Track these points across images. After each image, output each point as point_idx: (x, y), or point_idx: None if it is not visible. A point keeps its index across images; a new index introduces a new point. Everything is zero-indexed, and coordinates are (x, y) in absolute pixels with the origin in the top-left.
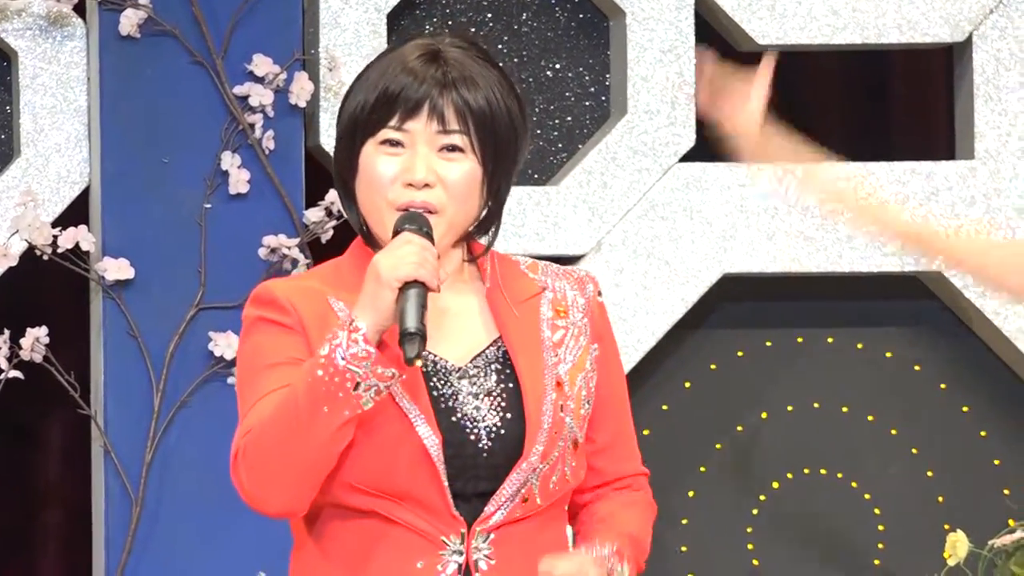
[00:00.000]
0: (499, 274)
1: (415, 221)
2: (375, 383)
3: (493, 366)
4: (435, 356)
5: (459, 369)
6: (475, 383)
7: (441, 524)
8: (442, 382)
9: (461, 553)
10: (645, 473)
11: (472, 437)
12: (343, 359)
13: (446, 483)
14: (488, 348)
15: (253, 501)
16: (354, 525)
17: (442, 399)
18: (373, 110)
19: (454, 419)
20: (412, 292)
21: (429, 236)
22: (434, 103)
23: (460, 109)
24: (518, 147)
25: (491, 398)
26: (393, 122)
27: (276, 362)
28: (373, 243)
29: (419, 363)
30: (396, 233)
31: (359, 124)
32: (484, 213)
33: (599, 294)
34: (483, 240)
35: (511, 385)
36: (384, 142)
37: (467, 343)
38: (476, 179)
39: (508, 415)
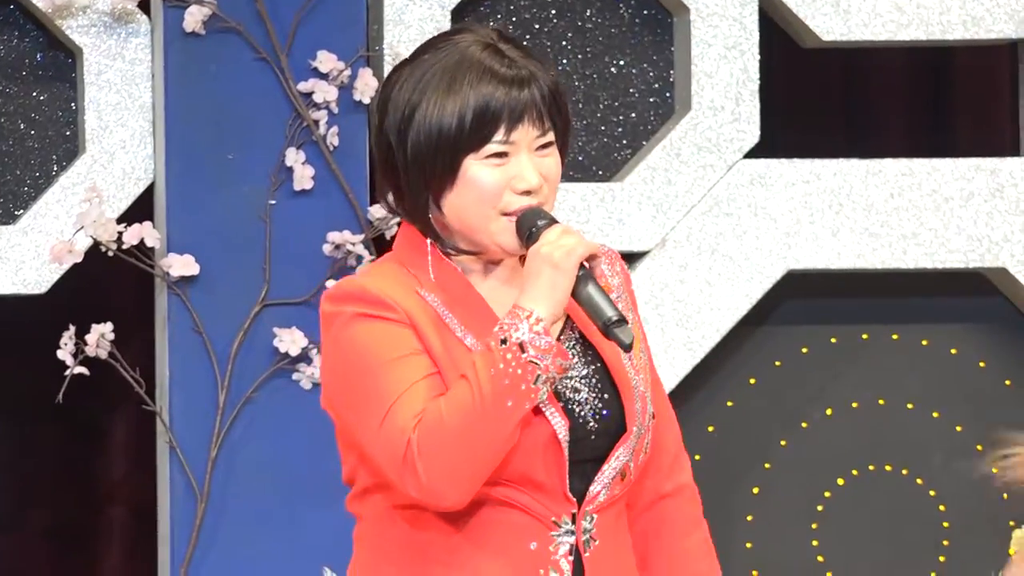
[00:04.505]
0: None
1: (544, 215)
2: (553, 375)
3: (576, 348)
4: None
5: None
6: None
7: (555, 505)
8: None
9: (572, 533)
10: (687, 462)
11: (581, 420)
12: (526, 352)
13: (567, 466)
14: (563, 331)
15: (431, 494)
16: (463, 510)
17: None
18: (477, 127)
19: (561, 403)
20: (591, 281)
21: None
22: (536, 105)
23: (548, 100)
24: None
25: (585, 380)
26: (499, 136)
27: (402, 355)
28: (446, 248)
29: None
30: (528, 232)
31: (461, 142)
32: None
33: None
34: None
35: (598, 365)
36: (490, 156)
37: None
38: (560, 166)
39: (606, 395)
